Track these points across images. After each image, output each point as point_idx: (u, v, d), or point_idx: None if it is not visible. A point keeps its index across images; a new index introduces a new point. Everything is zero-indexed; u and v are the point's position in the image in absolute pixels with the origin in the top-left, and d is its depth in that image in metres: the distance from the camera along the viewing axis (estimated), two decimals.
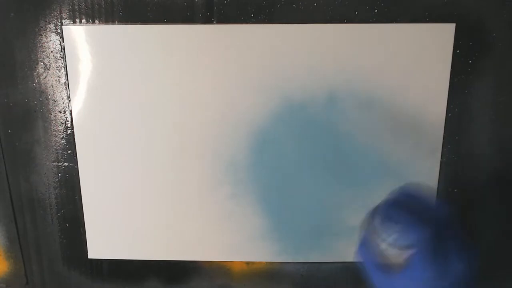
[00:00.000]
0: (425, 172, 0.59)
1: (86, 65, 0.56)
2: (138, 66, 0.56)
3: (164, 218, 0.61)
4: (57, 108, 0.58)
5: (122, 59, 0.55)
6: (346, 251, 0.62)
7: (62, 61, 0.56)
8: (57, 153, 0.60)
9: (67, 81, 0.57)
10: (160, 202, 0.61)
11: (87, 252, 0.64)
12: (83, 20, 0.55)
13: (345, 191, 0.60)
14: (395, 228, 0.39)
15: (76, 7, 0.55)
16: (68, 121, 0.59)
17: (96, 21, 0.55)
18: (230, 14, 0.54)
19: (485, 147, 0.58)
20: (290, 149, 0.58)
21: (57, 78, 0.57)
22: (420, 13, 0.53)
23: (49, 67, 0.57)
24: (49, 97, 0.58)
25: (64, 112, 0.58)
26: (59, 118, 0.59)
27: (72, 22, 0.55)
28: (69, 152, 0.60)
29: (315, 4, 0.54)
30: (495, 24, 0.54)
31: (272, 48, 0.54)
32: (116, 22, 0.55)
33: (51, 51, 0.56)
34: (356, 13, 0.54)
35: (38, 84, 0.57)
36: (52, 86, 0.57)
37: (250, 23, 0.54)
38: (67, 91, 0.57)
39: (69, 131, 0.59)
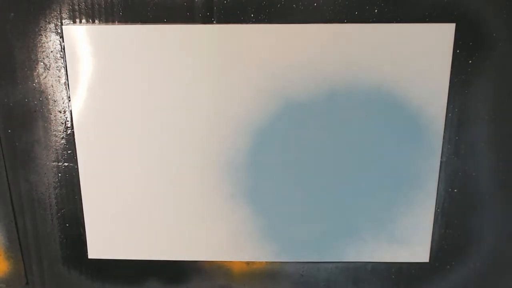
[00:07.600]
0: (425, 172, 0.59)
1: (86, 65, 0.56)
2: (138, 66, 0.56)
3: (164, 218, 0.61)
4: (57, 108, 0.58)
5: (122, 59, 0.55)
6: (346, 251, 0.62)
7: (62, 61, 0.56)
8: (57, 153, 0.60)
9: (67, 81, 0.57)
10: (160, 202, 0.61)
11: (87, 252, 0.64)
12: (83, 20, 0.55)
13: (345, 191, 0.60)
14: None
15: (76, 7, 0.55)
16: (68, 121, 0.59)
17: (96, 21, 0.55)
18: (230, 14, 0.54)
19: (485, 147, 0.58)
20: (290, 149, 0.58)
21: (57, 78, 0.57)
22: (420, 13, 0.53)
23: (49, 67, 0.57)
24: (49, 97, 0.58)
25: (64, 112, 0.58)
26: (59, 118, 0.59)
27: (72, 22, 0.55)
28: (69, 152, 0.60)
29: (315, 4, 0.54)
30: (495, 24, 0.54)
31: (272, 48, 0.54)
32: (116, 22, 0.55)
33: (51, 51, 0.56)
34: (356, 13, 0.54)
35: (38, 84, 0.57)
36: (52, 86, 0.57)
37: (250, 23, 0.54)
38: (67, 91, 0.57)
39: (69, 131, 0.59)
